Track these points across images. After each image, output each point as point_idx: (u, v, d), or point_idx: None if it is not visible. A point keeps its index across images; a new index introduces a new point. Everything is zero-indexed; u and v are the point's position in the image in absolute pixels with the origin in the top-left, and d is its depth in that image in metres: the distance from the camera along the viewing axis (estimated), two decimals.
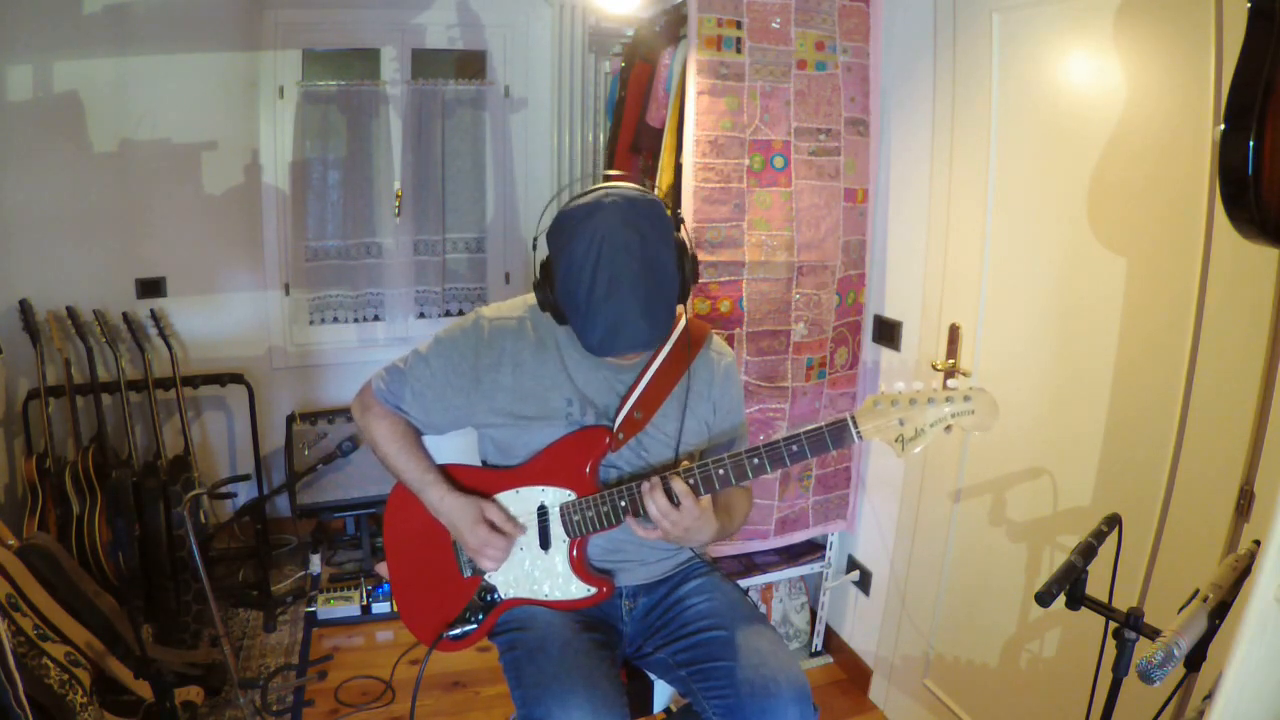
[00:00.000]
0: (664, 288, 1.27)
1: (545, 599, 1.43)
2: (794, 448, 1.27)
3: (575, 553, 1.41)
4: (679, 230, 1.36)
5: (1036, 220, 1.75)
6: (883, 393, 1.24)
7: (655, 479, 1.31)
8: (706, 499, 1.34)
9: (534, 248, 1.39)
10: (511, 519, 1.42)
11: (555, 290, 1.31)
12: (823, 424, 1.26)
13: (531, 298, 1.47)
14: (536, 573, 1.44)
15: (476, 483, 1.46)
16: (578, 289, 1.24)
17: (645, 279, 1.24)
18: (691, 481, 1.31)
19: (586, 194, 1.28)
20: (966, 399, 1.21)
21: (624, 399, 1.41)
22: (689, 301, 2.00)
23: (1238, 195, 0.99)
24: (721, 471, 1.30)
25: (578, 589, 1.42)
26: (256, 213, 3.08)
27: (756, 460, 1.29)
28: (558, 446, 1.40)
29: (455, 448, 1.54)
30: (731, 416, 1.54)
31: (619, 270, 1.22)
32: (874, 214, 2.23)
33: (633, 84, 2.42)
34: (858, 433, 1.24)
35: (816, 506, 2.34)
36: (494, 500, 1.43)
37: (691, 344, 1.46)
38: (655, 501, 1.29)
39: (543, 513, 1.42)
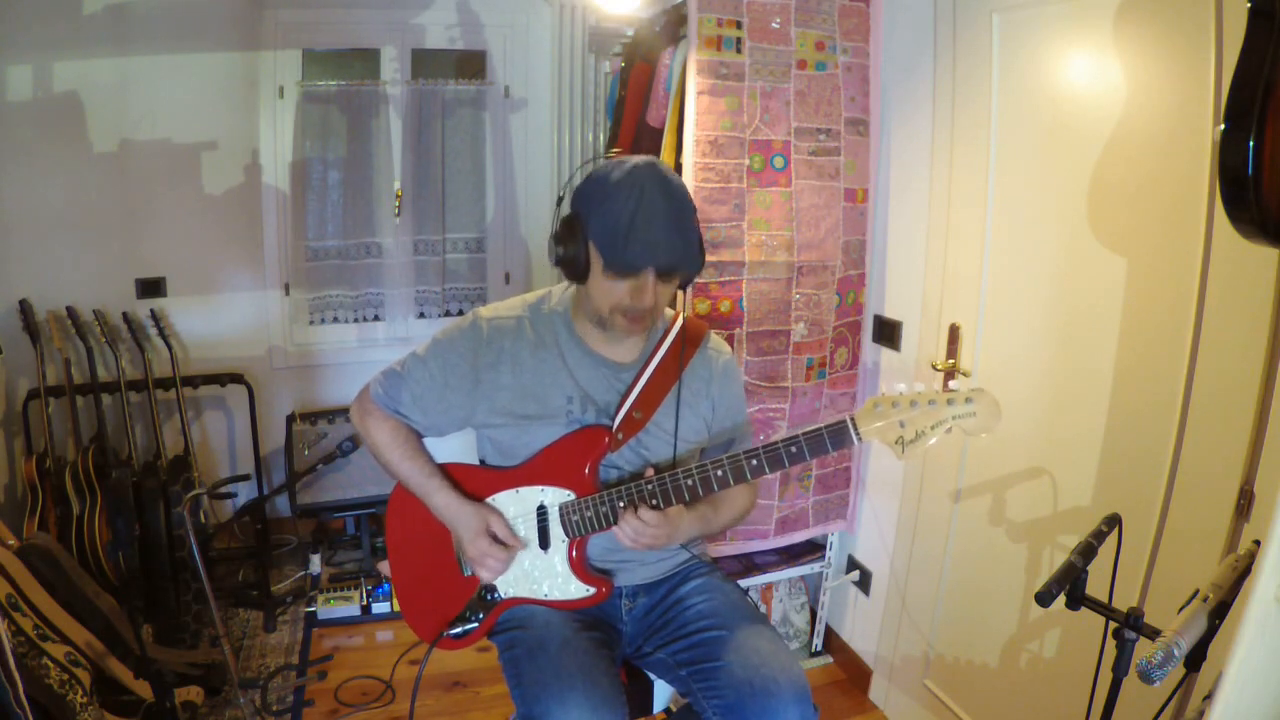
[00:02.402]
0: (689, 227, 1.33)
1: (545, 598, 1.44)
2: (793, 449, 1.27)
3: (574, 553, 1.41)
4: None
5: (1036, 220, 1.75)
6: (883, 394, 1.24)
7: (624, 511, 1.33)
8: (677, 508, 1.35)
9: (557, 205, 1.40)
10: (513, 533, 1.42)
11: (586, 234, 1.32)
12: (822, 425, 1.26)
13: (530, 297, 1.48)
14: (536, 572, 1.44)
15: (477, 483, 1.46)
16: (618, 222, 1.27)
17: (676, 213, 1.30)
18: (690, 483, 1.32)
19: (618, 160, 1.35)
20: (968, 401, 1.21)
21: (623, 398, 1.41)
22: (690, 299, 2.01)
23: (1238, 195, 0.99)
24: (720, 473, 1.31)
25: (577, 589, 1.42)
26: (256, 213, 3.08)
27: (755, 462, 1.29)
28: (557, 446, 1.40)
29: (454, 447, 1.54)
30: (732, 415, 1.54)
31: (655, 199, 1.28)
32: (874, 214, 2.23)
33: (633, 84, 2.42)
34: (857, 434, 1.24)
35: (816, 506, 2.34)
36: (498, 511, 1.43)
37: (689, 342, 1.47)
38: (629, 523, 1.32)
39: (542, 512, 1.42)
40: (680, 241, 1.31)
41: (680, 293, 1.49)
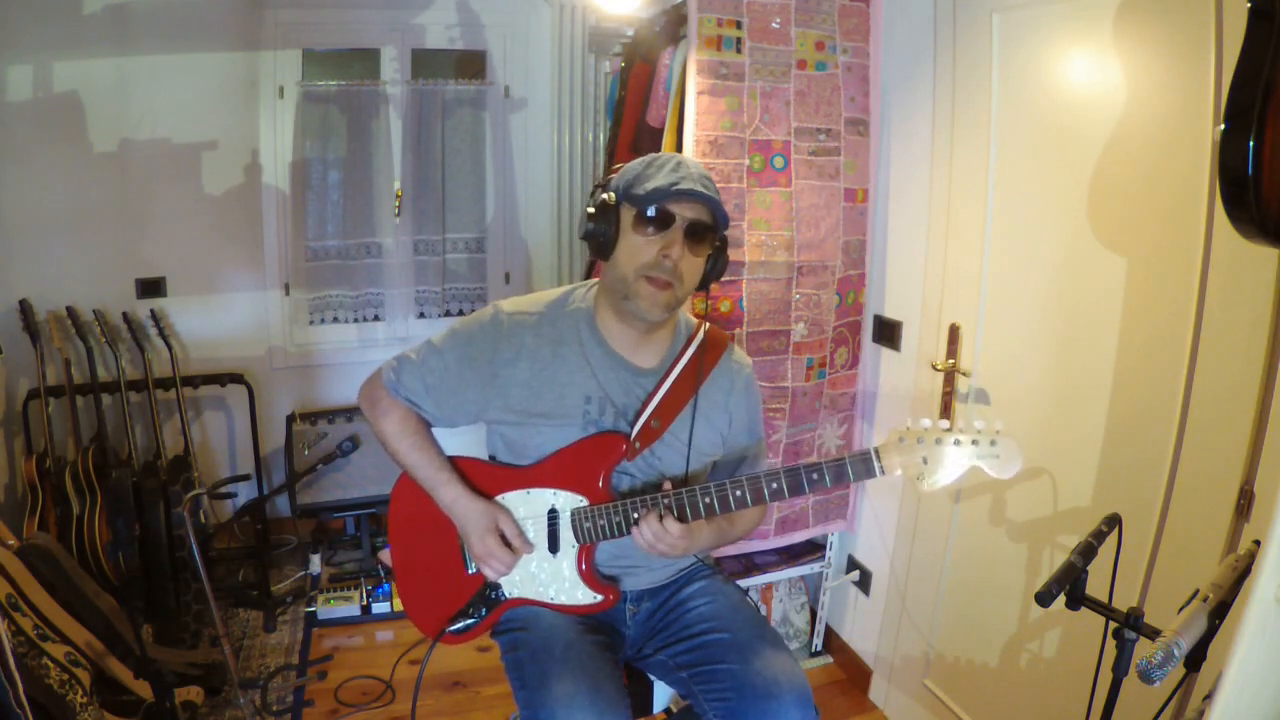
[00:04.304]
0: (718, 194, 1.35)
1: (550, 602, 1.42)
2: (814, 475, 1.26)
3: (584, 561, 1.40)
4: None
5: (1036, 220, 1.75)
6: (908, 428, 1.23)
7: (646, 511, 1.31)
8: (698, 522, 1.35)
9: (593, 193, 1.41)
10: (522, 535, 1.40)
11: (619, 199, 1.35)
12: (846, 456, 1.25)
13: (553, 294, 1.47)
14: (543, 575, 1.43)
15: (487, 479, 1.44)
16: (649, 164, 1.34)
17: (709, 176, 1.35)
18: (708, 500, 1.30)
19: None
20: (993, 443, 1.20)
21: (643, 405, 1.39)
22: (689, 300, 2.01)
23: (1238, 195, 0.99)
24: (739, 493, 1.29)
25: (584, 595, 1.41)
26: (256, 213, 3.08)
27: (776, 485, 1.28)
28: (572, 450, 1.38)
29: (463, 441, 1.52)
30: (749, 434, 1.53)
31: (686, 160, 1.35)
32: (874, 214, 2.23)
33: (633, 84, 2.42)
34: (881, 467, 1.23)
35: (816, 506, 2.34)
36: (508, 511, 1.42)
37: (711, 349, 1.45)
38: (650, 527, 1.30)
39: (553, 516, 1.40)
40: (710, 183, 1.33)
41: (704, 295, 1.48)
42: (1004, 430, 1.20)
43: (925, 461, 1.21)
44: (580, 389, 1.39)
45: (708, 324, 1.49)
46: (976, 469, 1.21)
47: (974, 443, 1.20)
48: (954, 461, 1.21)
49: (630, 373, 1.41)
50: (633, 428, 1.38)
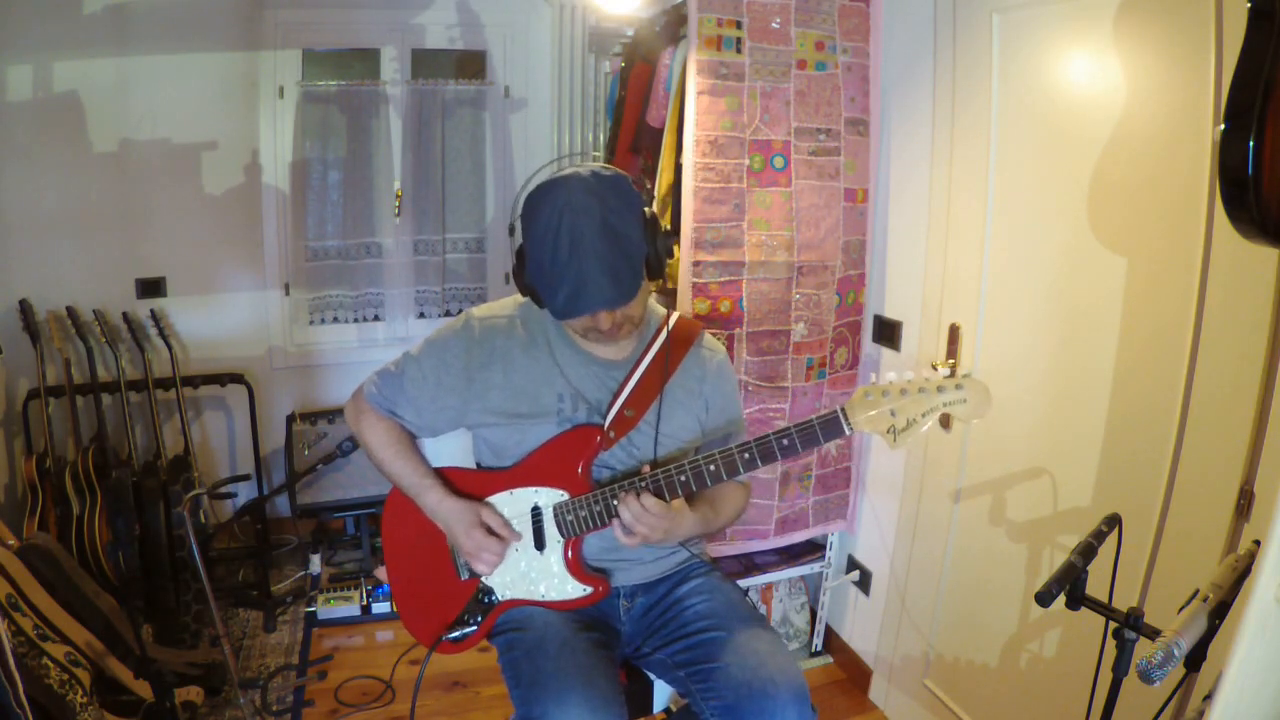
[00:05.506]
0: (627, 250, 1.26)
1: (542, 599, 1.43)
2: (785, 441, 1.27)
3: (570, 553, 1.41)
4: (646, 205, 1.33)
5: (1036, 220, 1.75)
6: (873, 384, 1.24)
7: (623, 492, 1.32)
8: (679, 502, 1.35)
9: (511, 234, 1.38)
10: (507, 524, 1.42)
11: (527, 269, 1.31)
12: (814, 417, 1.26)
13: (521, 297, 1.48)
14: (533, 573, 1.44)
15: (471, 485, 1.46)
16: (543, 255, 1.25)
17: (606, 240, 1.23)
18: (684, 478, 1.31)
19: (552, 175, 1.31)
20: (959, 387, 1.20)
21: (615, 396, 1.41)
22: (690, 300, 2.01)
23: (1238, 195, 0.99)
24: (712, 467, 1.31)
25: (574, 589, 1.42)
26: (256, 213, 3.08)
27: (747, 455, 1.29)
28: (550, 446, 1.40)
29: (450, 451, 1.54)
30: (726, 413, 1.54)
31: (579, 233, 1.22)
32: (874, 214, 2.23)
33: (633, 84, 2.42)
34: (849, 424, 1.24)
35: (816, 506, 2.34)
36: (490, 505, 1.43)
37: (682, 341, 1.47)
38: (628, 507, 1.31)
39: (536, 513, 1.42)
40: (612, 275, 1.24)
41: (657, 285, 1.46)
42: (969, 374, 1.20)
43: (894, 414, 1.21)
44: (552, 387, 1.41)
45: (677, 313, 1.49)
46: (947, 414, 1.21)
47: (939, 389, 1.20)
48: (923, 410, 1.21)
49: (600, 366, 1.43)
50: (605, 419, 1.39)
